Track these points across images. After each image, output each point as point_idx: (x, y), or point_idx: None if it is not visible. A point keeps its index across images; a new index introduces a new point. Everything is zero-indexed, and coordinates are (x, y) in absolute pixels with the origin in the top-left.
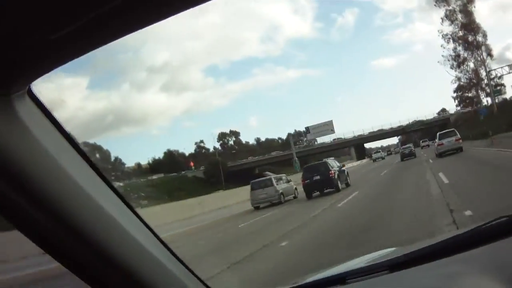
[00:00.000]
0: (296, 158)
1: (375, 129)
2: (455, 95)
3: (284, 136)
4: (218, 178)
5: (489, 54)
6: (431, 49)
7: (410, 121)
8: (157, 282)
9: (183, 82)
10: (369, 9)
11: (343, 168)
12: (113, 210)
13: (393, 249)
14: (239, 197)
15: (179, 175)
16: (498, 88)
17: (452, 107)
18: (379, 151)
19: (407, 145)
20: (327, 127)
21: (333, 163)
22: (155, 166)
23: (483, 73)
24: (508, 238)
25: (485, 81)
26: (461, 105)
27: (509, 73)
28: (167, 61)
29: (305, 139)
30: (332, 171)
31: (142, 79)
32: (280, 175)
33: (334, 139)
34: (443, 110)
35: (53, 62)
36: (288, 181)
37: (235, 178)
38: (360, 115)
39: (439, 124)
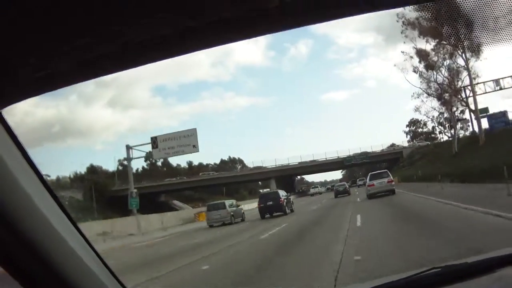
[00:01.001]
0: (135, 191)
1: (307, 160)
2: (407, 129)
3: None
4: (101, 203)
5: (475, 52)
6: (384, 85)
7: (352, 153)
8: (82, 284)
9: (130, 99)
10: (324, 42)
11: (289, 198)
12: (54, 219)
13: None
14: None
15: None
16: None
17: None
18: (317, 186)
19: (342, 183)
20: (188, 140)
21: (282, 193)
22: (75, 180)
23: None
24: None
25: (462, 94)
26: (418, 138)
27: (495, 90)
28: (115, 76)
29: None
30: (282, 199)
31: (90, 92)
32: (231, 200)
33: (253, 167)
34: (392, 145)
35: (28, 93)
36: (238, 206)
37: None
38: (309, 148)
39: (390, 159)
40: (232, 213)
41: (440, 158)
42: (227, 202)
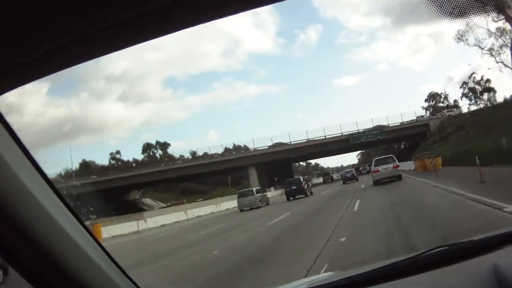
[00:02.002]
0: None
1: (302, 140)
2: (426, 104)
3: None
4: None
5: None
6: (395, 69)
7: (362, 128)
8: (94, 283)
9: (141, 93)
10: (333, 27)
11: (309, 182)
12: (58, 215)
13: (332, 273)
14: None
15: None
16: None
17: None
18: (329, 173)
19: (349, 170)
20: None
21: (302, 179)
22: (66, 178)
23: None
24: (445, 268)
25: None
26: (447, 109)
27: None
28: (126, 70)
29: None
30: (303, 184)
31: (101, 88)
32: (257, 187)
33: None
34: (411, 122)
35: (19, 81)
36: (263, 192)
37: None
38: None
39: (413, 134)
40: (259, 199)
41: (498, 125)
42: (254, 189)
